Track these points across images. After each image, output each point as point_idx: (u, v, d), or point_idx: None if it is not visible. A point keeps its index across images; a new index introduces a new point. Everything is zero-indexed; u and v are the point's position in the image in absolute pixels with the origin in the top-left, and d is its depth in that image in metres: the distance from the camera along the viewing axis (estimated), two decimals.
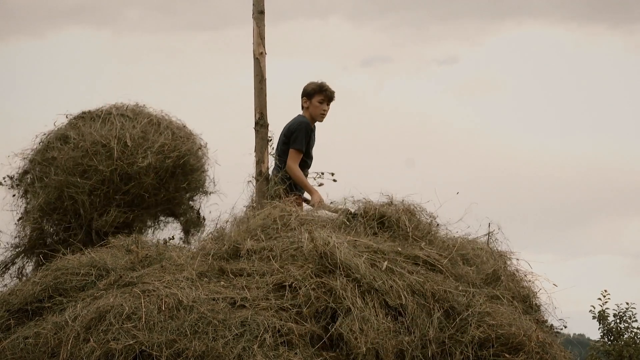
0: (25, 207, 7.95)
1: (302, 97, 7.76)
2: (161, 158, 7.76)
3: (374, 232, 6.41)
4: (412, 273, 5.91)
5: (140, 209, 7.83)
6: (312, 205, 7.30)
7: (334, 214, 6.77)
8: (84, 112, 8.07)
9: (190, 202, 8.31)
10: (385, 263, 5.89)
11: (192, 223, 8.35)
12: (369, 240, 6.18)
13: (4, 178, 8.02)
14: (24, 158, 7.96)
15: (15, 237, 7.95)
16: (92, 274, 6.05)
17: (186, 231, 8.35)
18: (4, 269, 7.95)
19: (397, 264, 5.96)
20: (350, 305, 5.53)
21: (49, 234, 7.89)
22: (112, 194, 7.62)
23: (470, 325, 5.71)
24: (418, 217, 6.66)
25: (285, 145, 7.58)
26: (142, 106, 8.20)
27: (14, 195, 8.04)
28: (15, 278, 7.89)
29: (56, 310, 5.79)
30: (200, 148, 8.20)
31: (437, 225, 6.72)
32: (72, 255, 6.40)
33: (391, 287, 5.72)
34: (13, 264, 7.96)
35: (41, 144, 7.95)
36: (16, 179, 8.00)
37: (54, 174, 7.61)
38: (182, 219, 8.30)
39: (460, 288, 5.94)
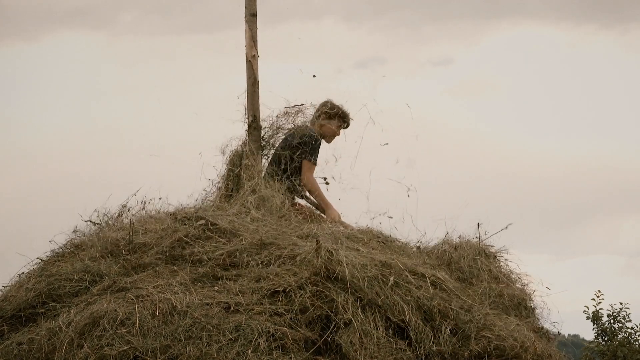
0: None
1: (320, 114, 7.47)
2: None
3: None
4: (419, 288, 5.82)
5: None
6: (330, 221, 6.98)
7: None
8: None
9: None
10: (392, 278, 5.77)
11: None
12: (378, 253, 6.11)
13: None
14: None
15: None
16: (86, 280, 6.01)
17: None
18: None
19: (404, 278, 5.84)
20: (352, 317, 5.50)
21: None
22: None
23: (472, 339, 5.67)
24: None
25: (297, 149, 7.26)
26: None
27: None
28: None
29: (50, 316, 5.77)
30: None
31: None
32: None
33: (394, 302, 5.64)
34: None
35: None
36: None
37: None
38: None
39: (464, 306, 5.88)
